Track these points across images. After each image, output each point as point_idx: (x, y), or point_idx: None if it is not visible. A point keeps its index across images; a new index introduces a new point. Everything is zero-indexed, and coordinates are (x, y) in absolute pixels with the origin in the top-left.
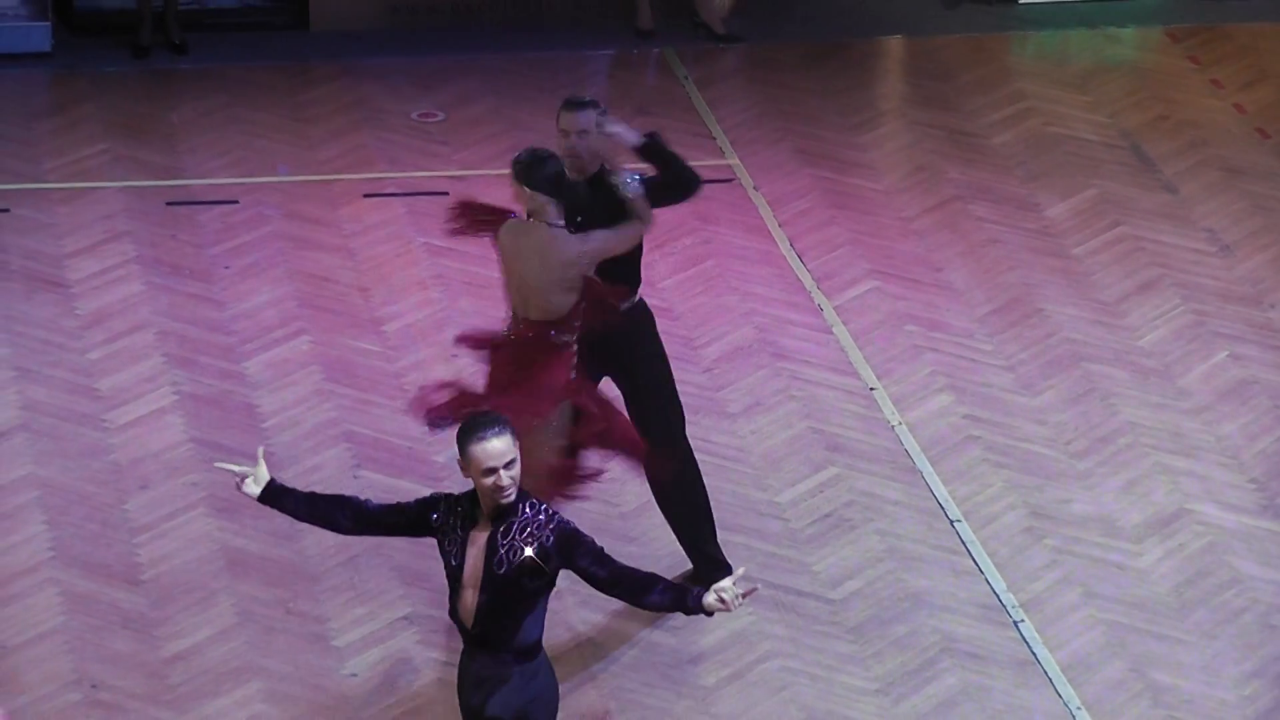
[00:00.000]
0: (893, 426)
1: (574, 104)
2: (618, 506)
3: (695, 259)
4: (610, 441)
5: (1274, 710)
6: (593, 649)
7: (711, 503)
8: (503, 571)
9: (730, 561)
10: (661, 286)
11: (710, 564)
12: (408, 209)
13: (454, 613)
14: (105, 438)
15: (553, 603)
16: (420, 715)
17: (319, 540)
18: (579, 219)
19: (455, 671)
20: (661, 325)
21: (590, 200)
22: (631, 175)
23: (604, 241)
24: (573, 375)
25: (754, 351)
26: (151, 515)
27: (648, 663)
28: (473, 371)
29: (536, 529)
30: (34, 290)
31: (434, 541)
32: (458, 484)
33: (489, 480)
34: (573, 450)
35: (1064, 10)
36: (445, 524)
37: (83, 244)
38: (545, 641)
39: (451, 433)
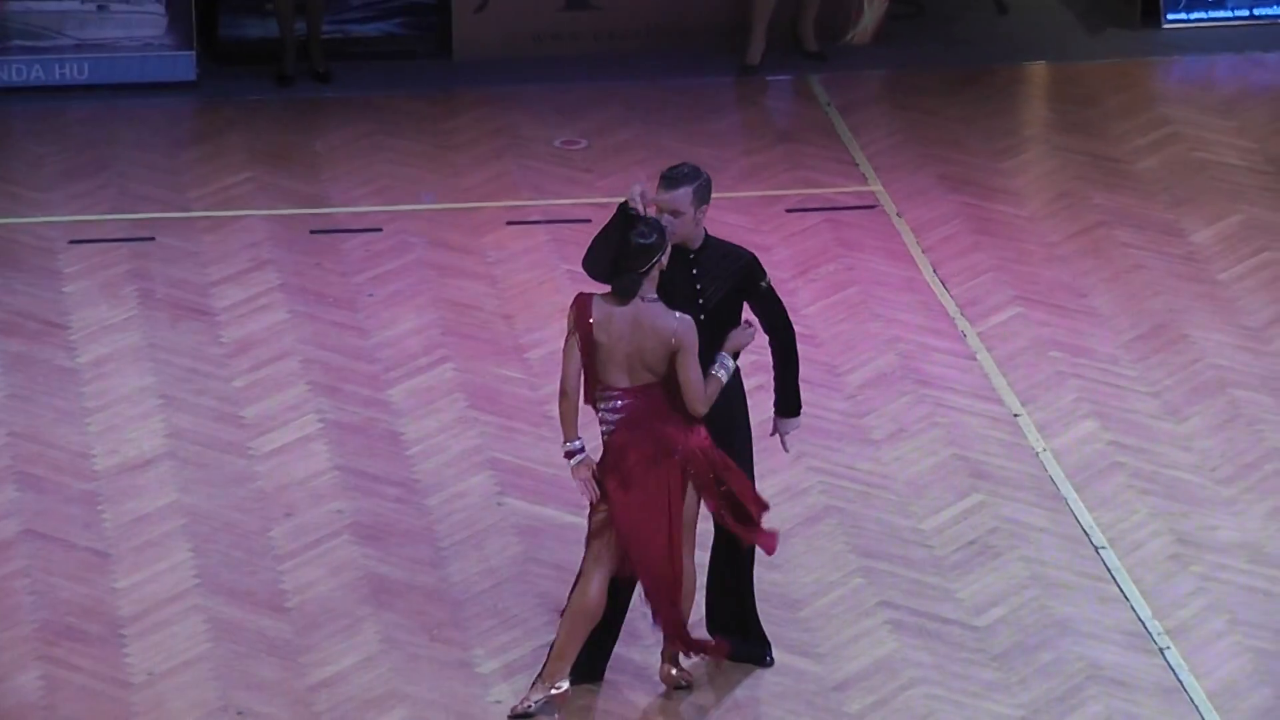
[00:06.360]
0: (1037, 453)
1: (668, 179)
2: None
3: (838, 285)
4: (731, 506)
5: None
6: (740, 675)
7: (856, 529)
8: None
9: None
10: (805, 313)
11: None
12: (551, 236)
13: None
14: (250, 465)
15: (699, 628)
16: None
17: (463, 567)
18: (698, 286)
19: (600, 700)
20: (804, 351)
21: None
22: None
23: (688, 369)
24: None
25: (897, 378)
26: (296, 543)
27: (793, 691)
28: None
29: None
30: (179, 318)
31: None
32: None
33: None
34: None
35: (1209, 35)
36: None
37: (228, 272)
38: (695, 671)
39: None
